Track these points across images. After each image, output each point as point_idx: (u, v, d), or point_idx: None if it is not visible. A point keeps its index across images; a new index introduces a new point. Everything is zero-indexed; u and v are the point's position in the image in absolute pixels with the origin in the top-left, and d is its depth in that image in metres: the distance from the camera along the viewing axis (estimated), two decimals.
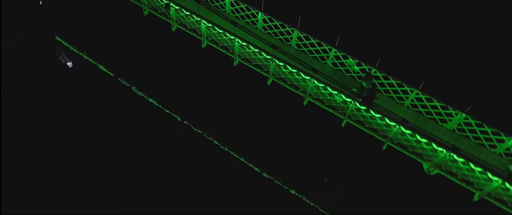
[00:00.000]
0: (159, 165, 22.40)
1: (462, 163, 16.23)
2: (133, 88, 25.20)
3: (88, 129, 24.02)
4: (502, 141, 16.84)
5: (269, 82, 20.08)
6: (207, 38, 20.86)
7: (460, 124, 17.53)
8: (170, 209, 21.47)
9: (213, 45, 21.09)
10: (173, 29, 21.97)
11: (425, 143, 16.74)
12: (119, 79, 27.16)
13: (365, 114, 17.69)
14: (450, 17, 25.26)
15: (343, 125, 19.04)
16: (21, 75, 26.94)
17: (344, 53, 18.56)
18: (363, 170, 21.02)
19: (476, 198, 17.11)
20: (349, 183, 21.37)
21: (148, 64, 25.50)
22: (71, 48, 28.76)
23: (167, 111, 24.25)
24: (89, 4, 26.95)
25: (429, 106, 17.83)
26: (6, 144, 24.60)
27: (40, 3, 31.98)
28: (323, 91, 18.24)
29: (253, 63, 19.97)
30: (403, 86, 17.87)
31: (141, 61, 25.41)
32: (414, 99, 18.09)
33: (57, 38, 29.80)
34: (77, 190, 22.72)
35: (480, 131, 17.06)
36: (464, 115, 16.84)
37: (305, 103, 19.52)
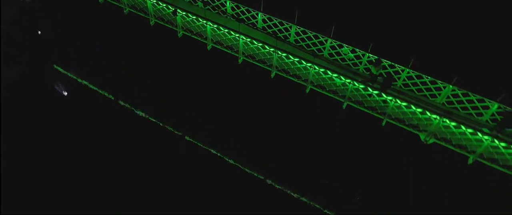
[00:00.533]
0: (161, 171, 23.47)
1: (455, 126, 18.04)
2: (134, 110, 26.57)
3: (88, 132, 25.00)
4: (487, 108, 18.84)
5: (272, 75, 21.85)
6: (212, 40, 22.72)
7: (448, 97, 19.50)
8: (170, 210, 22.11)
9: (217, 47, 22.92)
10: (179, 35, 23.79)
11: (420, 112, 18.56)
12: (119, 101, 28.56)
13: (363, 92, 19.54)
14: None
15: (344, 107, 20.80)
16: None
17: (339, 43, 20.63)
18: (367, 158, 22.67)
19: (470, 161, 18.82)
20: (353, 174, 22.83)
21: (155, 69, 27.10)
22: (70, 75, 30.14)
23: (170, 128, 25.57)
24: (95, 15, 28.62)
25: (419, 83, 19.83)
26: (6, 144, 25.03)
27: (39, 33, 33.56)
28: (324, 76, 20.09)
29: (257, 59, 21.78)
30: (395, 67, 19.91)
31: (147, 66, 27.00)
32: (406, 79, 20.11)
33: (56, 66, 31.20)
34: (77, 191, 23.09)
35: (466, 100, 19.04)
36: (451, 86, 18.87)
37: (307, 91, 21.27)
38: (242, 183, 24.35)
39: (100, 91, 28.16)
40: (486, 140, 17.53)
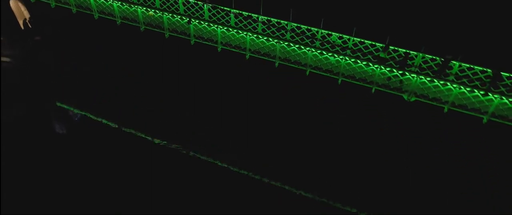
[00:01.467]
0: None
1: (429, 81, 23.04)
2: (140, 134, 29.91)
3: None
4: (451, 68, 24.11)
5: (276, 65, 26.40)
6: (221, 42, 27.32)
7: (420, 64, 24.65)
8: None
9: (226, 48, 27.47)
10: (192, 42, 28.25)
11: (401, 74, 23.52)
12: (123, 129, 31.83)
13: (354, 66, 24.41)
14: None
15: (339, 82, 25.43)
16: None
17: (328, 32, 25.73)
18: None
19: (446, 110, 23.64)
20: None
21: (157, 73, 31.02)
22: (72, 109, 33.28)
23: (173, 146, 29.13)
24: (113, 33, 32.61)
25: (396, 57, 24.98)
26: (6, 144, 27.49)
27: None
28: (320, 57, 24.92)
29: (262, 53, 26.44)
30: (375, 45, 25.11)
31: (152, 71, 31.09)
32: (386, 55, 25.20)
33: (58, 103, 34.13)
34: (77, 191, 25.40)
35: (435, 64, 24.27)
36: (421, 54, 24.12)
37: (307, 73, 25.86)
38: (244, 185, 27.22)
39: (105, 121, 31.21)
40: (454, 87, 22.45)
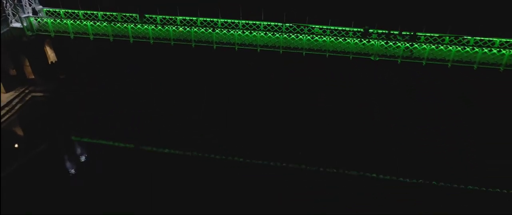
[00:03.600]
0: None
1: (385, 42, 35.86)
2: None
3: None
4: (370, 34, 37.27)
5: (281, 52, 37.65)
6: (237, 44, 38.23)
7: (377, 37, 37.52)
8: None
9: (242, 47, 38.31)
10: (214, 48, 38.71)
11: (367, 41, 36.14)
12: (140, 147, 38.77)
13: (335, 42, 36.64)
14: None
15: (327, 56, 37.25)
16: None
17: (313, 25, 38.01)
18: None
19: (399, 61, 36.31)
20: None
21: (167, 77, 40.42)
22: (89, 140, 39.36)
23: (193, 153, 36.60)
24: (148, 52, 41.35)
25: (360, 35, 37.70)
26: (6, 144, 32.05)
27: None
28: (311, 41, 36.87)
29: (269, 45, 37.74)
30: (346, 29, 37.68)
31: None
32: (352, 34, 37.85)
33: (74, 138, 40.21)
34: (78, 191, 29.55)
35: (384, 34, 37.30)
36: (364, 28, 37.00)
37: (303, 54, 37.39)
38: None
39: (118, 143, 37.19)
40: (402, 44, 35.36)
